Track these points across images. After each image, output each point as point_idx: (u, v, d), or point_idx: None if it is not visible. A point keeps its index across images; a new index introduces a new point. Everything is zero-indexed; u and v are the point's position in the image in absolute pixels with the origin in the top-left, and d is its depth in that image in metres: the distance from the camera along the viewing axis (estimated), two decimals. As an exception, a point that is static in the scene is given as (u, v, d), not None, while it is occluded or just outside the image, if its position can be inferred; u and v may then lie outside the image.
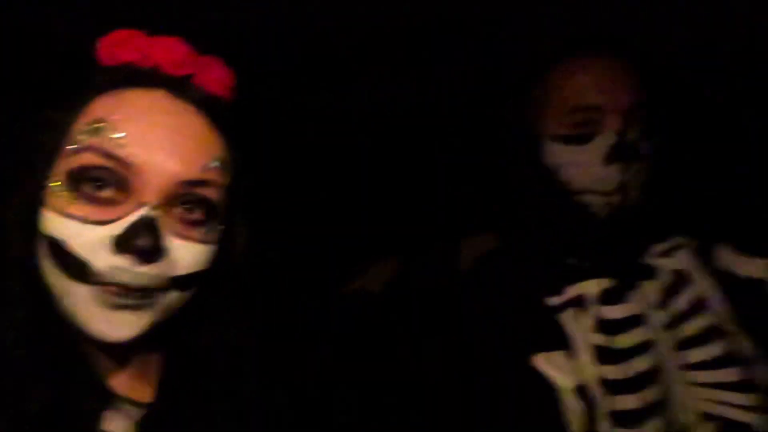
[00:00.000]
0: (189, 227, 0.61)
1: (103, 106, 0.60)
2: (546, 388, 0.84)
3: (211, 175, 0.62)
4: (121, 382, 0.65)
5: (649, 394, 0.86)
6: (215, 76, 0.66)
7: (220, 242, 0.65)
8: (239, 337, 0.68)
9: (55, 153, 0.60)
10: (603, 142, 0.90)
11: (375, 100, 1.25)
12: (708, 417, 0.88)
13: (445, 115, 1.28)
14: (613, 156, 0.89)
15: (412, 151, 1.32)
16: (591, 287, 0.91)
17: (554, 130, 0.94)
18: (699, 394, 0.89)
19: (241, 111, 0.69)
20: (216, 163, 0.62)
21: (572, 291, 0.91)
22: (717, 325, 0.92)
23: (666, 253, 0.97)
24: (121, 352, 0.65)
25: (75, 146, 0.59)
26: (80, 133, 0.59)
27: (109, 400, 0.63)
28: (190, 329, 0.67)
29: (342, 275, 1.15)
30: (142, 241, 0.56)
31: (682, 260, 0.96)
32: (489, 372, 0.88)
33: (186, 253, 0.60)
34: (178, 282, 0.60)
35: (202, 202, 0.61)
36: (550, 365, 0.85)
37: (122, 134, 0.58)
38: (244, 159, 0.67)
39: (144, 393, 0.66)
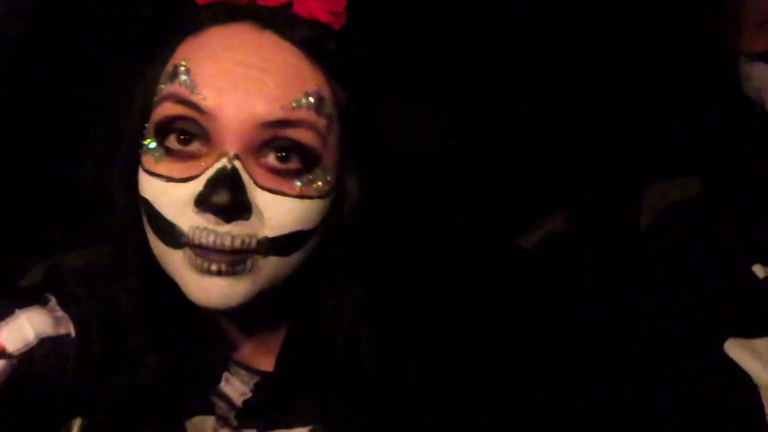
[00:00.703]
0: (283, 178, 0.53)
1: (185, 49, 0.55)
2: (742, 384, 0.65)
3: (302, 114, 0.53)
4: (243, 350, 0.63)
5: None
6: (317, 2, 0.57)
7: (330, 197, 0.57)
8: (357, 309, 0.60)
9: (148, 108, 0.56)
10: None
11: (529, 26, 1.06)
12: None
13: (619, 37, 1.05)
14: None
15: (582, 83, 1.11)
16: None
17: (752, 45, 0.72)
18: None
19: (355, 42, 0.59)
20: (308, 100, 0.53)
21: None
22: None
23: None
24: (244, 321, 0.62)
25: (157, 97, 0.55)
26: (162, 82, 0.55)
27: (226, 365, 0.61)
28: (308, 299, 0.62)
29: (506, 229, 1.03)
30: (219, 197, 0.50)
31: None
32: (669, 357, 0.70)
33: (280, 209, 0.53)
34: (276, 244, 0.54)
35: (297, 148, 0.53)
36: (748, 354, 0.65)
37: (193, 76, 0.52)
38: (358, 97, 0.58)
39: (266, 362, 0.63)
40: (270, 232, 0.53)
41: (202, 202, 0.51)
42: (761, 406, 0.65)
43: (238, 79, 0.52)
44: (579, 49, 1.12)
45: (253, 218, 0.52)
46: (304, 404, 0.62)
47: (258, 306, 0.57)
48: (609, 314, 0.77)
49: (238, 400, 0.61)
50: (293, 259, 0.56)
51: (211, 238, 0.52)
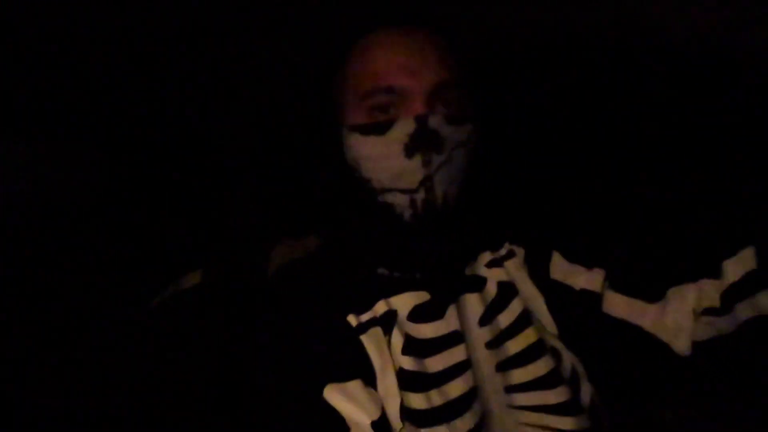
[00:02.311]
0: None
1: None
2: (339, 426, 0.71)
3: None
4: None
5: (461, 424, 0.76)
6: None
7: None
8: None
9: None
10: (402, 131, 0.77)
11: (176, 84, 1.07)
12: (529, 443, 0.80)
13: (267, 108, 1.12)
14: (413, 146, 0.77)
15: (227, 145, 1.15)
16: (402, 302, 0.80)
17: (352, 119, 0.80)
18: (520, 418, 0.81)
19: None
20: None
21: (380, 307, 0.79)
22: (542, 341, 0.85)
23: (494, 263, 0.88)
24: None
25: None
26: None
27: None
28: None
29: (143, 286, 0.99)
30: None
31: (510, 270, 0.88)
32: (275, 405, 0.74)
33: None
34: None
35: None
36: (342, 397, 0.72)
37: None
38: None
39: None
40: None
41: None
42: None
43: None
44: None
45: None
46: None
47: None
48: (231, 364, 0.78)
49: None
50: None
51: None
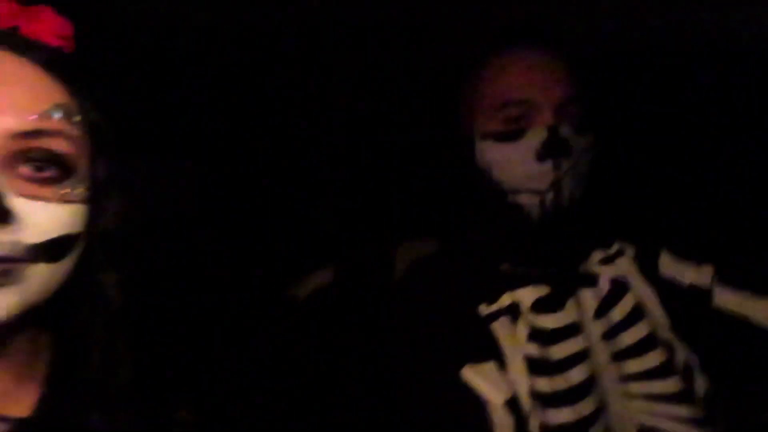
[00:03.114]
0: (41, 186, 0.54)
1: None
2: (475, 402, 0.80)
3: (53, 125, 0.55)
4: None
5: (583, 407, 0.82)
6: (43, 26, 0.60)
7: (91, 204, 0.58)
8: (112, 316, 0.61)
9: None
10: (534, 138, 0.87)
11: (304, 96, 1.19)
12: (645, 430, 0.86)
13: (379, 117, 1.23)
14: (545, 152, 0.86)
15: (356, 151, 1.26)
16: (525, 295, 0.87)
17: (484, 127, 0.90)
18: (636, 406, 0.86)
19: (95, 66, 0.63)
20: (57, 112, 0.56)
21: (506, 299, 0.87)
22: (654, 334, 0.90)
23: (606, 260, 0.94)
24: None
25: None
26: None
27: None
28: (71, 323, 0.60)
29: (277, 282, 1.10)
30: None
31: (621, 267, 0.94)
32: (416, 385, 0.83)
33: (41, 215, 0.53)
34: (41, 250, 0.53)
35: (53, 157, 0.55)
36: (479, 377, 0.81)
37: None
38: (104, 114, 0.61)
39: (20, 407, 0.58)
40: (36, 238, 0.53)
41: None
42: (489, 419, 0.80)
43: None
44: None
45: (17, 226, 0.52)
46: None
47: (18, 332, 0.55)
48: (369, 352, 0.88)
49: None
50: (62, 266, 0.56)
51: None
